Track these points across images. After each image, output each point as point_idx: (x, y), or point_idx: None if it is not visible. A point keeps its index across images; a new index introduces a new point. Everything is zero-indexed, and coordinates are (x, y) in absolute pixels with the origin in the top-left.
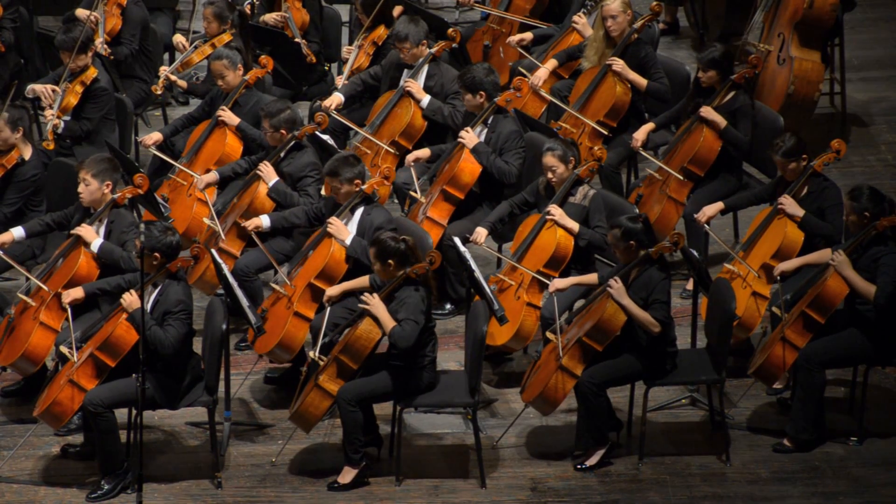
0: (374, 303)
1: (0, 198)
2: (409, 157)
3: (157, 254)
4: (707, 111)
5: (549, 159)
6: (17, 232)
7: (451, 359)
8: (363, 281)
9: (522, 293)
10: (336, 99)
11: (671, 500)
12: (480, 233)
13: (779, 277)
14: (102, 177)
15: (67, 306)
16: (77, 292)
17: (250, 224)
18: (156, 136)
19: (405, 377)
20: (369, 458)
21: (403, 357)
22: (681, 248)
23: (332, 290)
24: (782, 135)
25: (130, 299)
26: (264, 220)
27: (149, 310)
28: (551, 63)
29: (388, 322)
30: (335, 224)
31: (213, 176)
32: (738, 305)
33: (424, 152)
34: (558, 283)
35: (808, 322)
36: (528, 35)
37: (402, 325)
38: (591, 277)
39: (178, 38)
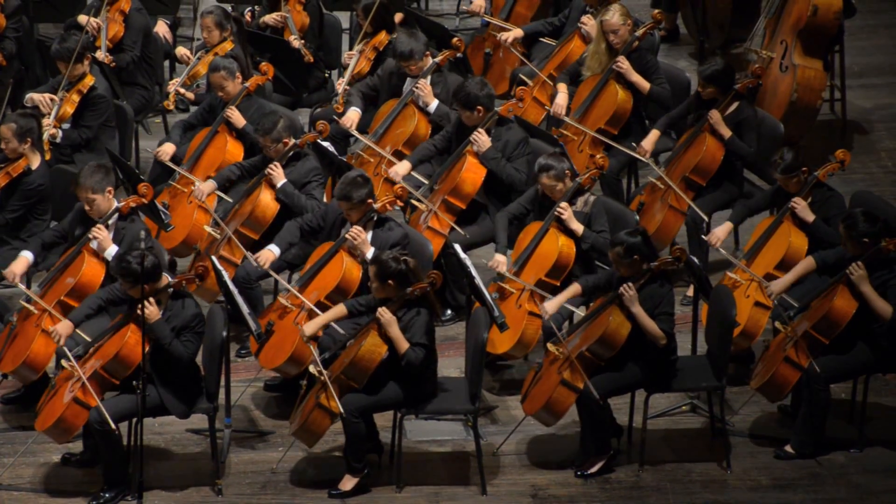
0: (389, 318)
1: (3, 204)
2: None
3: (145, 286)
4: (715, 116)
5: (547, 181)
6: (28, 256)
7: (451, 366)
8: (340, 310)
9: (524, 301)
10: (354, 115)
11: None
12: (500, 261)
13: (775, 300)
14: (101, 187)
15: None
16: (65, 328)
17: (263, 260)
18: (169, 147)
19: (407, 390)
20: (370, 465)
21: (407, 373)
22: (683, 262)
23: (309, 328)
24: (779, 150)
25: (151, 310)
26: (274, 250)
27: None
28: (563, 87)
29: (403, 343)
30: (359, 236)
31: (210, 185)
32: (741, 314)
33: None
34: (549, 306)
35: (812, 343)
36: (519, 31)
37: (415, 348)
38: (574, 289)
39: (181, 51)
